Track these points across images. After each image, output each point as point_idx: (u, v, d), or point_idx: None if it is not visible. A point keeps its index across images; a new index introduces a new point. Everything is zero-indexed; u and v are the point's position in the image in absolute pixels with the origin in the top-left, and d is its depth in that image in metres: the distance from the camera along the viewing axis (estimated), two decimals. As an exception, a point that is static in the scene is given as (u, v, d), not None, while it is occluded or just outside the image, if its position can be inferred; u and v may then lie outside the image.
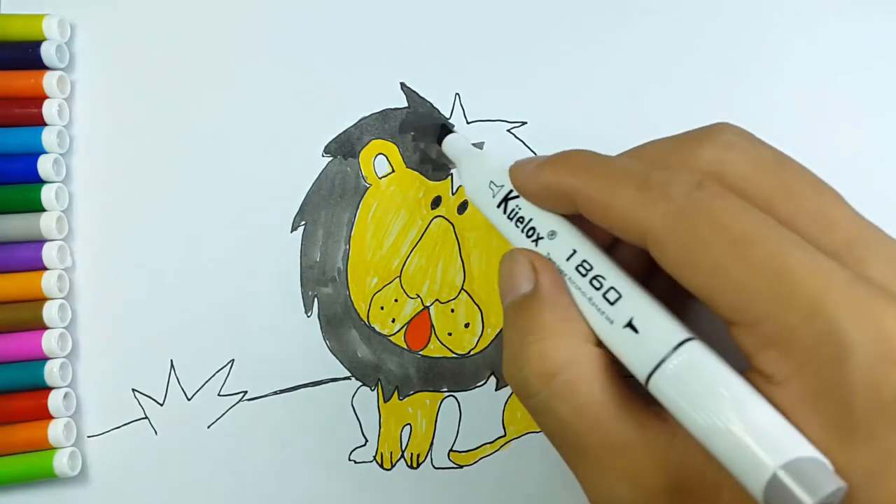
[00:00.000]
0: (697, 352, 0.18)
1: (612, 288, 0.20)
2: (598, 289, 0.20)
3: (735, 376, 0.18)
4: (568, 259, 0.21)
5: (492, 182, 0.24)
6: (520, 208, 0.23)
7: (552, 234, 0.22)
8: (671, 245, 0.18)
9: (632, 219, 0.19)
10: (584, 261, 0.21)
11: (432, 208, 0.29)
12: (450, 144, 0.27)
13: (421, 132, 0.29)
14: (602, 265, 0.20)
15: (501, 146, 0.29)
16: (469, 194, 0.25)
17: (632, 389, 0.20)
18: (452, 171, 0.29)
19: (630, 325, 0.19)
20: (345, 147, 0.30)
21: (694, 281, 0.18)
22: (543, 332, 0.20)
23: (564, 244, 0.21)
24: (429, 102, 0.29)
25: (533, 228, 0.22)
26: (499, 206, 0.23)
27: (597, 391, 0.20)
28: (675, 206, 0.18)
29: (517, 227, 0.23)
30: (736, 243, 0.17)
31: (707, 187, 0.18)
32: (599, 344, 0.20)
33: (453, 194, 0.29)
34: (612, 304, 0.20)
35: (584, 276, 0.20)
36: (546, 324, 0.20)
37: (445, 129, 0.28)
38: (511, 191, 0.23)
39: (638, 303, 0.19)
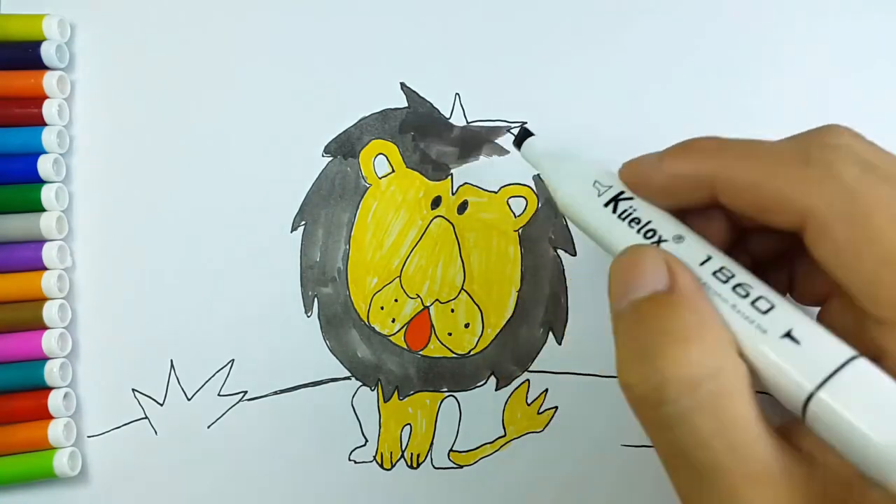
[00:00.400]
0: (870, 368, 0.16)
1: (761, 297, 0.18)
2: (744, 297, 0.18)
3: None
4: (702, 264, 0.19)
5: (597, 182, 0.22)
6: (634, 209, 0.21)
7: (679, 238, 0.20)
8: (838, 230, 0.17)
9: (790, 199, 0.17)
10: (724, 267, 0.19)
11: (432, 208, 0.29)
12: (531, 147, 0.25)
13: (433, 133, 0.29)
14: (743, 273, 0.19)
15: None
16: (564, 199, 0.22)
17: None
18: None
19: (789, 335, 0.17)
20: (345, 147, 0.30)
21: (857, 272, 0.17)
22: (688, 334, 0.17)
23: (697, 248, 0.19)
24: (429, 102, 0.30)
25: (653, 230, 0.20)
26: (606, 205, 0.21)
27: (745, 408, 0.17)
28: (845, 186, 0.17)
29: (632, 227, 0.20)
30: None
31: (877, 169, 0.17)
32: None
33: (453, 194, 0.29)
34: (764, 313, 0.18)
35: (724, 282, 0.19)
36: (691, 325, 0.18)
37: (526, 132, 0.25)
38: (622, 192, 0.21)
39: (794, 313, 0.18)
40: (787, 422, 0.18)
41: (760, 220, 0.19)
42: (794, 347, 0.17)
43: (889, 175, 0.17)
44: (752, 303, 0.18)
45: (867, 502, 0.16)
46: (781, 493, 0.17)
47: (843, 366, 0.16)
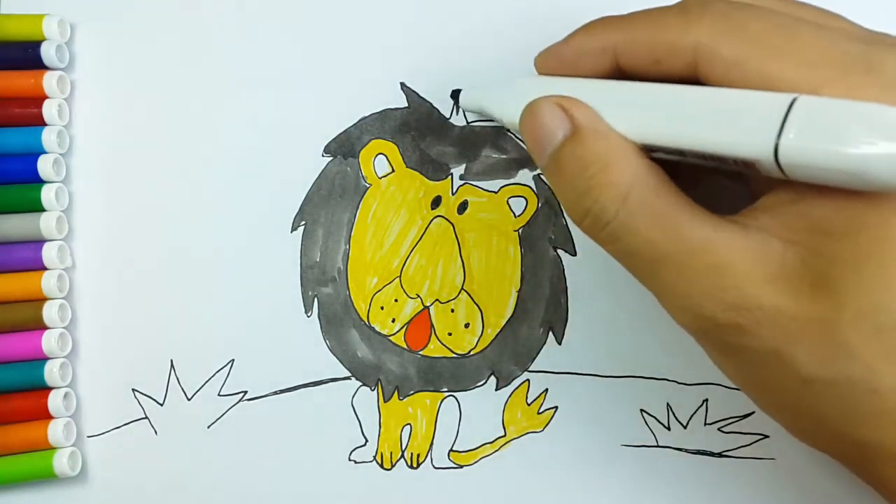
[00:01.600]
0: (812, 99, 0.18)
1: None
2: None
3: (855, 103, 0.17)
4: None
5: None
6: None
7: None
8: (723, 47, 0.19)
9: (679, 42, 0.20)
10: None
11: (432, 208, 0.29)
12: (467, 97, 0.28)
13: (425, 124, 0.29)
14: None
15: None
16: (514, 118, 0.24)
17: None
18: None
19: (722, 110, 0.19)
20: (345, 147, 0.30)
21: (748, 73, 0.19)
22: (604, 160, 0.20)
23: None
24: (429, 102, 0.29)
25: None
26: None
27: (671, 199, 0.20)
28: (719, 14, 0.20)
29: None
30: (785, 27, 0.19)
31: (740, 1, 0.20)
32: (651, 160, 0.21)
33: (453, 194, 0.29)
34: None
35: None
36: (602, 152, 0.20)
37: (456, 92, 0.29)
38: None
39: (719, 92, 0.19)
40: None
41: (660, 73, 0.21)
42: (735, 115, 0.19)
43: (752, 4, 0.20)
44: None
45: (831, 252, 0.18)
46: (723, 259, 0.19)
47: (789, 108, 0.17)
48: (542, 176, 0.29)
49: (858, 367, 0.18)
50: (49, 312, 0.29)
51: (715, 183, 0.24)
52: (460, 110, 0.29)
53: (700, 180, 0.23)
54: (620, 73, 0.22)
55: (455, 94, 0.29)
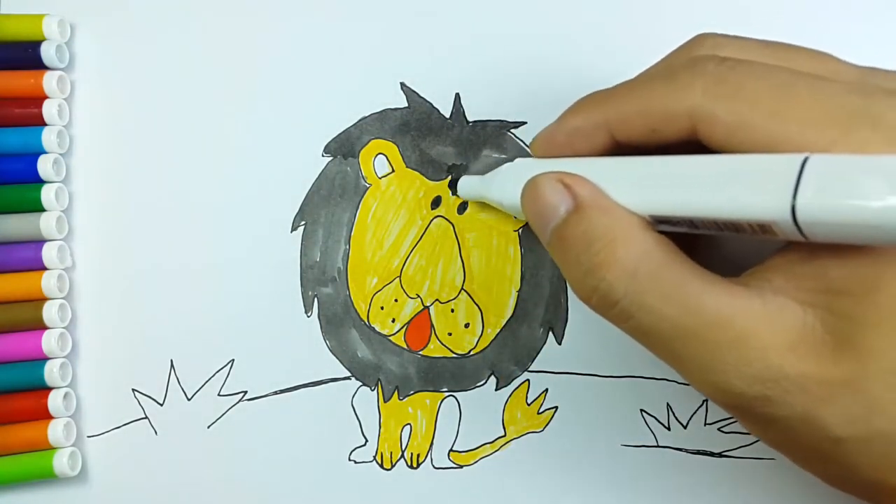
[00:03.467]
0: (823, 157, 0.17)
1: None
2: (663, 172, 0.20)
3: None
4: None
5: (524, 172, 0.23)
6: None
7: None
8: (721, 110, 0.19)
9: (673, 109, 0.19)
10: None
11: (432, 208, 0.29)
12: (465, 186, 0.28)
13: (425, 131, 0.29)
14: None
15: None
16: (511, 202, 0.24)
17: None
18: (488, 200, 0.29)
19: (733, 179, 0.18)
20: (345, 147, 0.30)
21: (752, 134, 0.18)
22: (609, 236, 0.20)
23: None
24: (429, 102, 0.30)
25: None
26: None
27: (682, 270, 0.19)
28: (711, 77, 0.19)
29: None
30: (782, 86, 0.18)
31: (730, 58, 0.19)
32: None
33: (453, 194, 0.29)
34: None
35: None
36: (607, 228, 0.20)
37: (454, 181, 0.29)
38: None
39: (726, 158, 0.19)
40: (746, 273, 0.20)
41: (657, 141, 0.20)
42: (749, 182, 0.18)
43: (749, 54, 0.20)
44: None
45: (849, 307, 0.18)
46: (744, 329, 0.18)
47: (802, 167, 0.17)
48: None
49: (888, 421, 0.18)
50: (49, 312, 0.29)
51: (716, 243, 0.23)
52: (460, 114, 0.29)
53: (699, 245, 0.22)
54: (617, 146, 0.22)
55: (453, 183, 0.29)
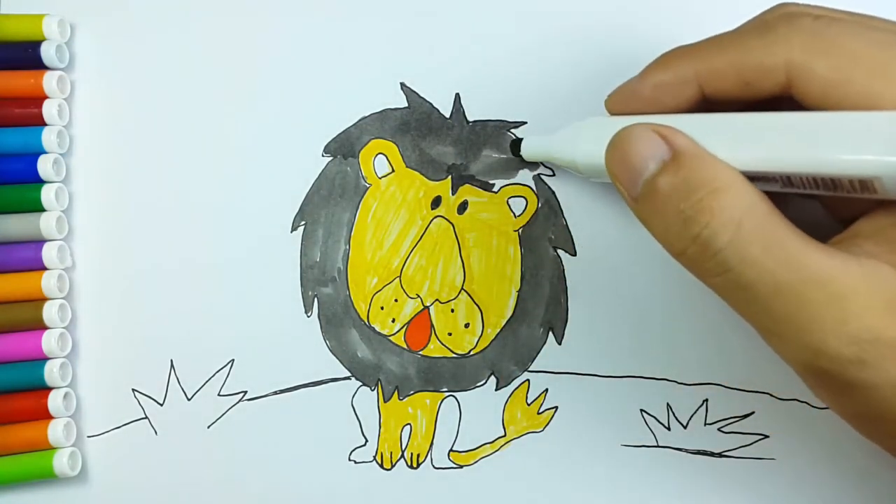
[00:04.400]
0: None
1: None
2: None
3: None
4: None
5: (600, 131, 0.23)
6: None
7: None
8: (819, 65, 0.19)
9: (769, 62, 0.19)
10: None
11: (432, 208, 0.29)
12: (530, 146, 0.27)
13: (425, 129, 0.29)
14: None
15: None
16: (591, 161, 0.23)
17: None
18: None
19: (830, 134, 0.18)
20: (345, 147, 0.30)
21: (852, 90, 0.18)
22: (713, 185, 0.19)
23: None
24: (429, 102, 0.30)
25: None
26: None
27: (785, 227, 0.19)
28: (809, 32, 0.19)
29: None
30: (881, 43, 0.18)
31: (825, 16, 0.19)
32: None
33: (453, 194, 0.29)
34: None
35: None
36: (710, 176, 0.19)
37: (516, 141, 0.28)
38: None
39: (827, 115, 0.19)
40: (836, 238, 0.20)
41: (749, 95, 0.20)
42: (853, 130, 0.18)
43: (836, 15, 0.20)
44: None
45: None
46: (843, 288, 0.18)
47: None
48: (542, 176, 0.29)
49: None
50: (49, 312, 0.29)
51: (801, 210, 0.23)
52: (460, 114, 0.29)
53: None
54: (704, 102, 0.21)
55: (515, 144, 0.28)
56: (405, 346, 0.29)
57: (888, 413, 0.19)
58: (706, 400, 0.28)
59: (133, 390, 0.30)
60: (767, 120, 0.20)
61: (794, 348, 0.19)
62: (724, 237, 0.19)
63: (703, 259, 0.20)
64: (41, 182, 0.30)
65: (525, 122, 0.29)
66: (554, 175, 0.29)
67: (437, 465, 0.29)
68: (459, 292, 0.29)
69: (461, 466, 0.29)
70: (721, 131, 0.20)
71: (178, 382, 0.30)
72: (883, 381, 0.18)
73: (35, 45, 0.30)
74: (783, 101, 0.20)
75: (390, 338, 0.29)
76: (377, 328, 0.29)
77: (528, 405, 0.29)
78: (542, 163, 0.29)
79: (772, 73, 0.20)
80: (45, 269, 0.29)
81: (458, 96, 0.29)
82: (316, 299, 0.30)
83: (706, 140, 0.20)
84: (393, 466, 0.29)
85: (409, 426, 0.29)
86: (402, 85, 0.30)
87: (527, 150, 0.28)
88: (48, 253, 0.29)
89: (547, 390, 0.29)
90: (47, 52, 0.30)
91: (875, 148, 0.18)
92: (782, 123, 0.19)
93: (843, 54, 0.19)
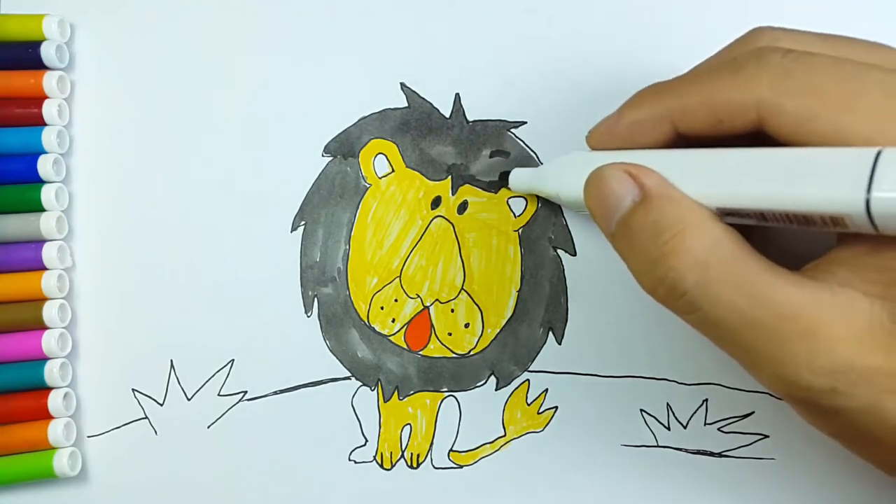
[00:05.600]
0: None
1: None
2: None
3: None
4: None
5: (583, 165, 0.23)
6: None
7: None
8: (789, 104, 0.19)
9: (739, 100, 0.20)
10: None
11: (432, 208, 0.29)
12: (517, 178, 0.28)
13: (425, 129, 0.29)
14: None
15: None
16: (571, 196, 0.24)
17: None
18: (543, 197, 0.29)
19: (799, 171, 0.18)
20: (345, 147, 0.30)
21: (820, 126, 0.18)
22: (679, 225, 0.20)
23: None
24: (429, 102, 0.30)
25: None
26: None
27: (753, 263, 0.19)
28: (778, 70, 0.19)
29: None
30: (850, 79, 0.18)
31: (794, 50, 0.19)
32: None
33: (453, 194, 0.29)
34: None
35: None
36: (676, 217, 0.20)
37: (503, 174, 0.28)
38: None
39: (797, 152, 0.19)
40: (808, 266, 0.20)
41: (722, 132, 0.20)
42: (822, 171, 0.18)
43: (809, 46, 0.20)
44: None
45: None
46: (814, 321, 0.18)
47: (875, 161, 0.17)
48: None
49: None
50: (49, 312, 0.29)
51: (770, 239, 0.23)
52: (460, 114, 0.29)
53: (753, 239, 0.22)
54: (678, 139, 0.22)
55: (503, 176, 0.28)
56: (405, 346, 0.29)
57: (867, 434, 0.19)
58: (706, 400, 0.28)
59: (133, 390, 0.30)
60: (738, 156, 0.20)
61: (769, 380, 0.20)
62: (691, 279, 0.19)
63: (672, 299, 0.20)
64: (41, 182, 0.30)
65: (525, 122, 0.29)
66: (554, 175, 0.29)
67: (437, 465, 0.29)
68: (459, 292, 0.29)
69: (461, 466, 0.29)
70: (693, 168, 0.21)
71: (178, 382, 0.30)
72: (857, 407, 0.19)
73: (35, 45, 0.30)
74: (758, 134, 0.20)
75: (390, 338, 0.29)
76: (377, 328, 0.29)
77: (528, 405, 0.29)
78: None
79: (742, 111, 0.20)
80: (45, 269, 0.29)
81: (458, 96, 0.29)
82: (316, 299, 0.30)
83: (679, 177, 0.21)
84: (393, 466, 0.29)
85: (409, 426, 0.29)
86: (402, 85, 0.30)
87: (514, 183, 0.28)
88: (48, 253, 0.29)
89: (547, 390, 0.29)
90: (47, 52, 0.30)
91: (842, 185, 0.18)
92: (753, 160, 0.20)
93: (811, 92, 0.19)
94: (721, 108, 0.20)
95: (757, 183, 0.19)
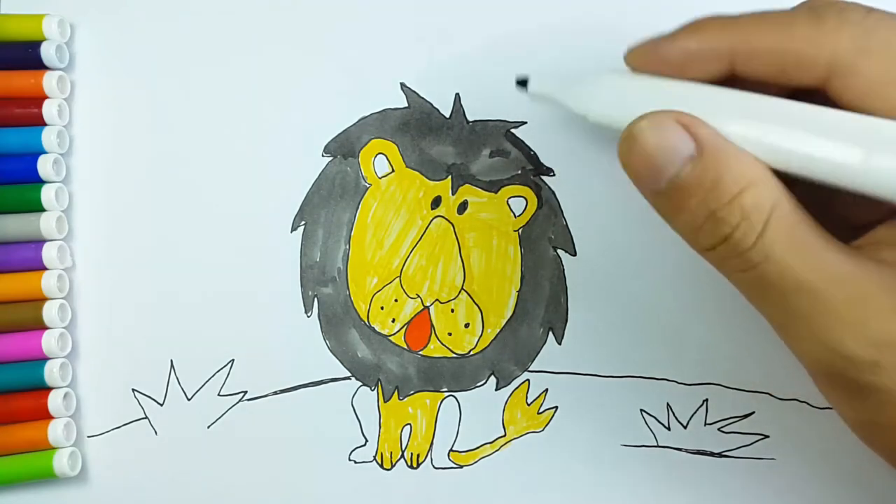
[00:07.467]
0: None
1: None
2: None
3: None
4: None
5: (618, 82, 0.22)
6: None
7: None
8: (865, 66, 0.18)
9: (813, 53, 0.18)
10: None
11: (432, 208, 0.29)
12: (539, 87, 0.24)
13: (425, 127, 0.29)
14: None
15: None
16: (603, 111, 0.22)
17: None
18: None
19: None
20: (345, 147, 0.30)
21: (891, 97, 0.18)
22: (743, 181, 0.19)
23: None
24: (429, 102, 0.30)
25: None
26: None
27: (810, 227, 0.19)
28: (859, 26, 0.18)
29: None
30: None
31: (877, 11, 0.18)
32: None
33: (453, 194, 0.29)
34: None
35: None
36: (739, 173, 0.19)
37: (523, 80, 0.25)
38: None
39: (863, 118, 0.18)
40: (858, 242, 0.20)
41: (781, 83, 0.19)
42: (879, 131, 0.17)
43: (886, 14, 0.19)
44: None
45: None
46: (864, 290, 0.18)
47: None
48: (542, 176, 0.29)
49: None
50: (49, 312, 0.29)
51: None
52: (460, 114, 0.29)
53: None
54: (733, 80, 0.20)
55: (523, 82, 0.25)
56: (405, 346, 0.29)
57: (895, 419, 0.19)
58: (706, 400, 0.28)
59: (133, 390, 0.30)
60: (804, 113, 0.19)
61: (811, 347, 0.19)
62: (752, 236, 0.19)
63: (729, 256, 0.19)
64: (41, 182, 0.30)
65: (525, 123, 0.29)
66: (554, 175, 0.29)
67: (437, 465, 0.29)
68: (459, 292, 0.29)
69: (461, 466, 0.29)
70: (752, 117, 0.19)
71: (178, 382, 0.30)
72: (893, 386, 0.18)
73: (35, 45, 0.30)
74: (810, 94, 0.19)
75: (390, 338, 0.29)
76: (377, 328, 0.29)
77: (528, 405, 0.29)
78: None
79: (812, 65, 0.19)
80: (45, 269, 0.29)
81: (458, 96, 0.29)
82: (316, 299, 0.30)
83: (735, 125, 0.19)
84: (393, 466, 0.29)
85: (409, 426, 0.29)
86: (402, 85, 0.30)
87: (536, 87, 0.24)
88: (48, 253, 0.29)
89: (547, 390, 0.29)
90: (47, 52, 0.30)
91: None
92: (823, 121, 0.18)
93: (892, 56, 0.18)
94: (790, 57, 0.19)
95: (831, 150, 0.18)
